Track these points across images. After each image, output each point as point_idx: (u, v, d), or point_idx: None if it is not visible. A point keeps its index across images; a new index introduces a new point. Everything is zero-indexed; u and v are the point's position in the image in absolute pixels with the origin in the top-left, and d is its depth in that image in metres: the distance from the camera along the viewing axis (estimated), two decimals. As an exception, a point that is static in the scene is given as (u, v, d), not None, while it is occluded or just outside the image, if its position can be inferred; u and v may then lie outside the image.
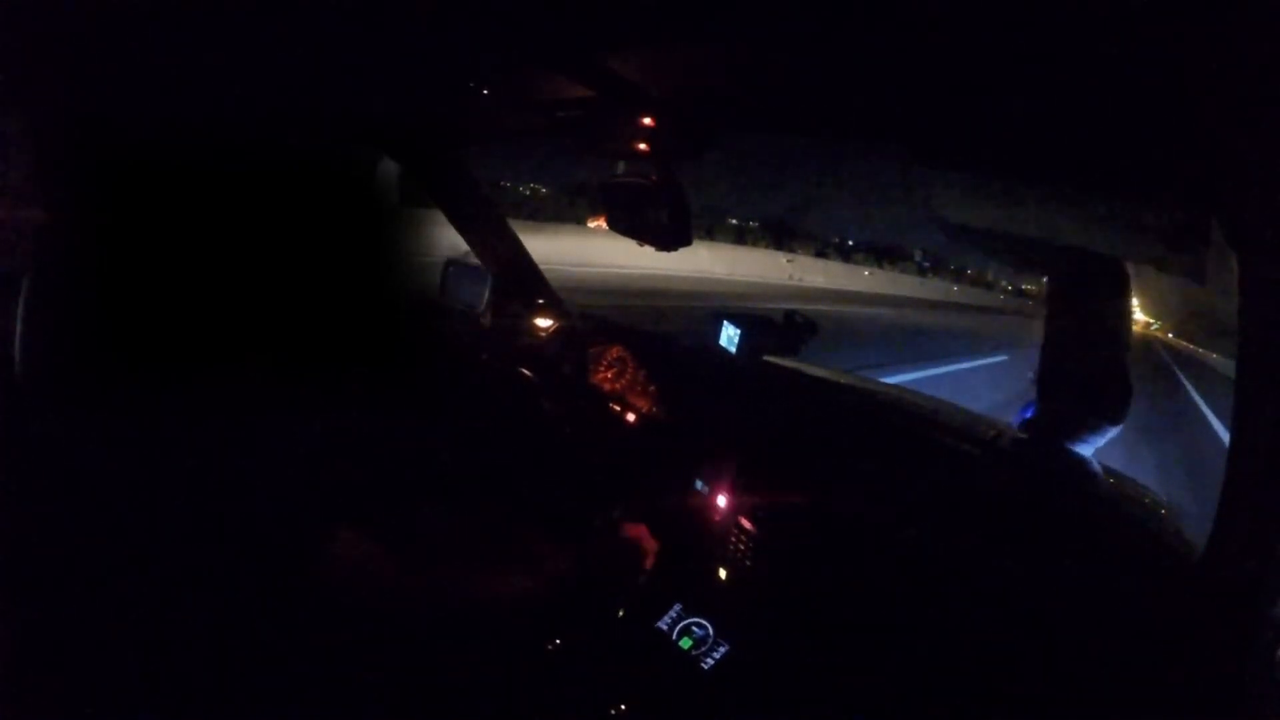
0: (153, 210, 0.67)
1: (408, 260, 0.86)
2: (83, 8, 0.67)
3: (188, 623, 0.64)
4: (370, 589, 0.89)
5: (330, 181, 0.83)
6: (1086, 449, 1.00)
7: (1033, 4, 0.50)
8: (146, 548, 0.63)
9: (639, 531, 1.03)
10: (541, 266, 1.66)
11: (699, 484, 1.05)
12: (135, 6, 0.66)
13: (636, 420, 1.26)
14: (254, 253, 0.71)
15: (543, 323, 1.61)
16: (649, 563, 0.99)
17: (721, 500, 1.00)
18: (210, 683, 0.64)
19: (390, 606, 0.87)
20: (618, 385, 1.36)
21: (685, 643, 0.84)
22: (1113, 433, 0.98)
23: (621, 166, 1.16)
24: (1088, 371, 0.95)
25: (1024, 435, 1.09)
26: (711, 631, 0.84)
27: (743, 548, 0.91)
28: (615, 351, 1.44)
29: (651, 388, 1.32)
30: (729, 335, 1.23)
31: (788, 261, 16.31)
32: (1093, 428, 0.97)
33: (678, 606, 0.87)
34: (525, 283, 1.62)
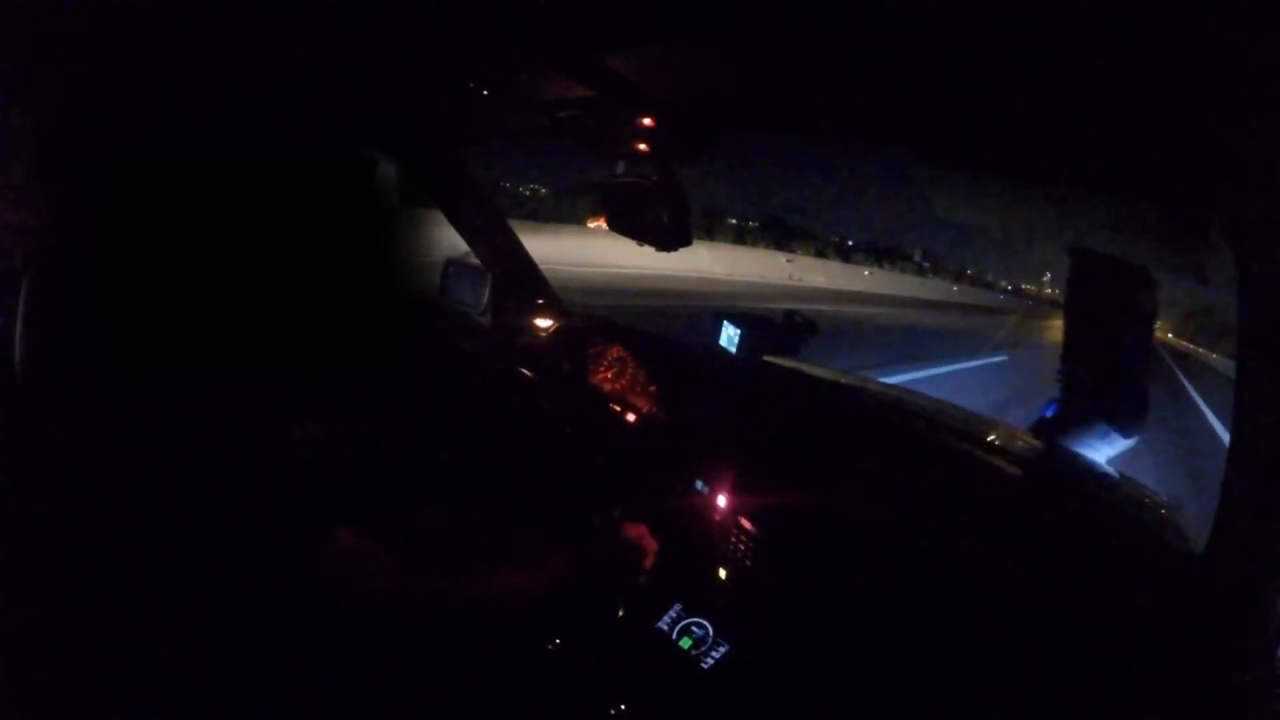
0: (153, 210, 0.67)
1: (408, 260, 0.86)
2: (83, 8, 0.67)
3: (188, 623, 0.64)
4: (370, 589, 0.89)
5: (330, 182, 0.83)
6: (1098, 457, 0.99)
7: (1033, 4, 0.50)
8: (146, 548, 0.62)
9: (639, 531, 1.03)
10: (541, 266, 1.66)
11: (699, 484, 1.05)
12: (135, 7, 0.66)
13: (636, 420, 1.26)
14: (253, 253, 0.71)
15: (543, 323, 1.61)
16: (649, 563, 0.99)
17: (721, 500, 1.00)
18: (210, 683, 0.64)
19: (390, 606, 0.87)
20: (618, 385, 1.36)
21: (685, 643, 0.84)
22: (1124, 444, 0.97)
23: (621, 166, 1.16)
24: (1105, 378, 0.95)
25: (1031, 437, 1.09)
26: (711, 631, 0.84)
27: (743, 548, 0.91)
28: (615, 351, 1.44)
29: (651, 388, 1.32)
30: (729, 335, 1.23)
31: (787, 261, 16.32)
32: (1103, 435, 0.96)
33: (678, 606, 0.87)
34: (525, 283, 1.62)
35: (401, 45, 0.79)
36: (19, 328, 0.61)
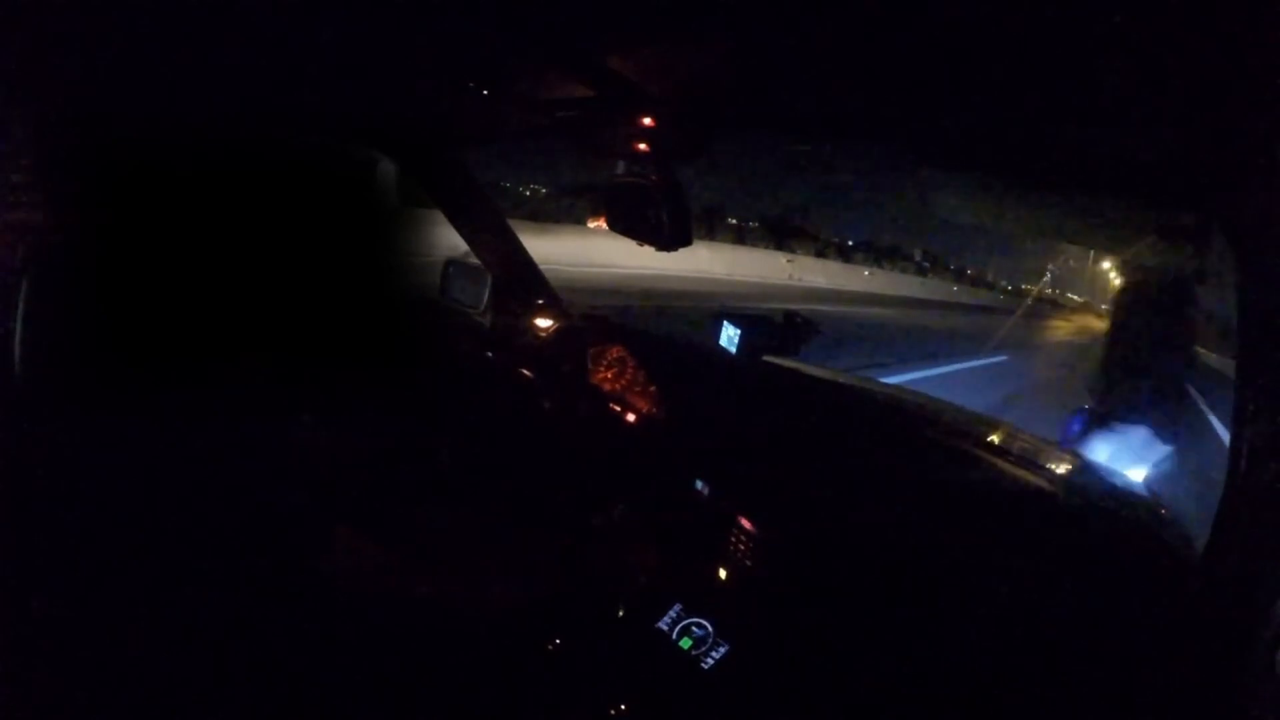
0: (152, 210, 0.67)
1: (407, 260, 0.86)
2: (83, 8, 0.67)
3: (188, 622, 0.64)
4: (370, 589, 0.89)
5: (329, 182, 0.83)
6: (1140, 466, 0.98)
7: (1035, 5, 0.50)
8: (146, 547, 0.62)
9: (639, 531, 1.03)
10: (541, 266, 1.66)
11: (699, 484, 1.05)
12: (135, 7, 0.66)
13: (636, 420, 1.26)
14: (253, 253, 0.71)
15: (543, 323, 1.61)
16: (649, 563, 0.99)
17: (721, 500, 1.00)
18: (210, 681, 0.64)
19: (390, 606, 0.87)
20: (618, 385, 1.36)
21: (685, 643, 0.83)
22: (1163, 450, 0.96)
23: (621, 166, 1.16)
24: (1150, 386, 0.94)
25: (1057, 449, 1.08)
26: (712, 631, 0.84)
27: (743, 548, 0.91)
28: (615, 351, 1.44)
29: (651, 388, 1.32)
30: (729, 335, 1.22)
31: (788, 261, 16.31)
32: (1146, 443, 0.96)
33: (678, 606, 0.87)
34: (525, 283, 1.62)
35: (401, 45, 0.79)
36: (19, 328, 0.61)
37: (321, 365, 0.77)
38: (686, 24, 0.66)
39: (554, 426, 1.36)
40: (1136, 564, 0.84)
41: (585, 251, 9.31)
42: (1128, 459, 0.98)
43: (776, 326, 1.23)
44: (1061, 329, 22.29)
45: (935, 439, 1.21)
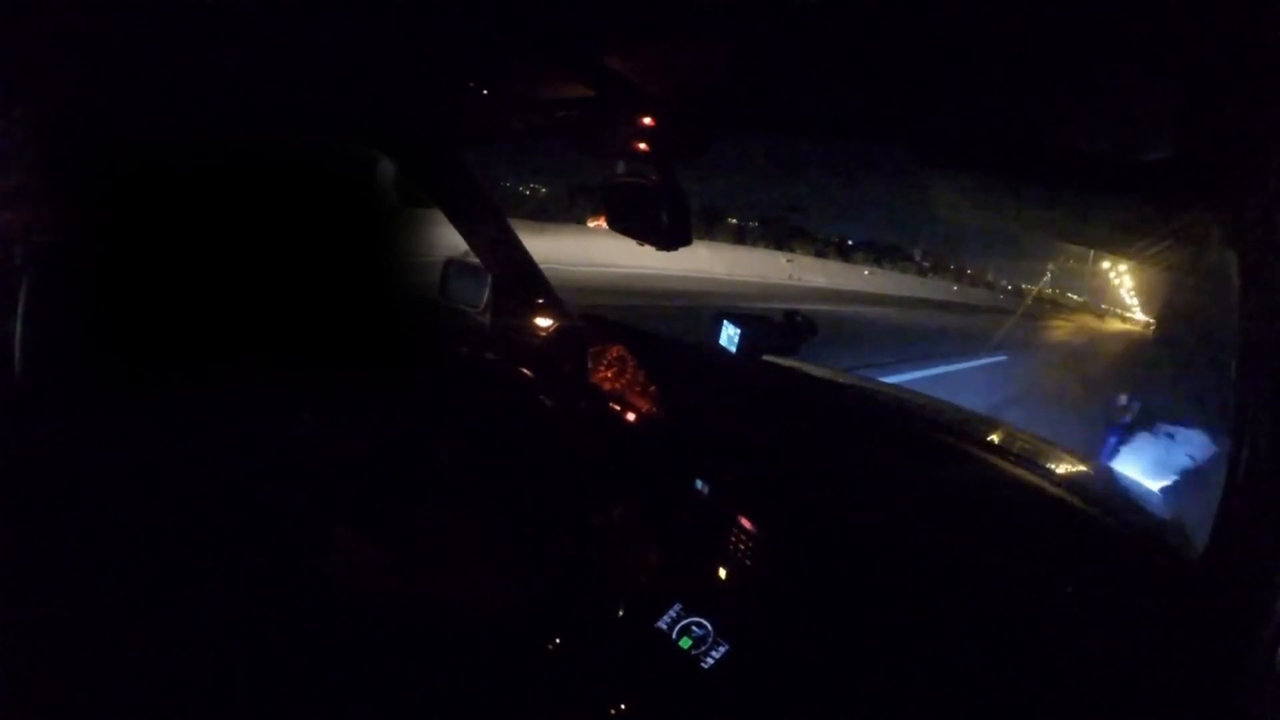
0: (152, 210, 0.67)
1: (407, 260, 0.86)
2: (83, 8, 0.67)
3: (188, 621, 0.64)
4: (370, 588, 0.89)
5: (329, 182, 0.83)
6: (1174, 469, 0.96)
7: (1035, 5, 0.50)
8: (146, 547, 0.63)
9: (639, 531, 1.03)
10: (541, 266, 1.66)
11: (699, 484, 1.05)
12: (135, 7, 0.66)
13: (636, 420, 1.26)
14: (253, 252, 0.71)
15: (543, 323, 1.61)
16: (649, 563, 0.99)
17: (721, 500, 1.00)
18: (211, 681, 0.64)
19: (390, 606, 0.87)
20: (618, 385, 1.36)
21: (685, 643, 0.83)
22: (1213, 450, 0.94)
23: (621, 166, 1.16)
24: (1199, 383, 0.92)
25: (1081, 462, 1.07)
26: (712, 631, 0.84)
27: (743, 548, 0.91)
28: (615, 351, 1.44)
29: (651, 388, 1.32)
30: (729, 335, 1.22)
31: (787, 261, 16.31)
32: (1203, 446, 0.94)
33: (678, 606, 0.87)
34: (525, 283, 1.62)
35: (400, 45, 0.79)
36: (19, 328, 0.61)
37: (321, 365, 0.77)
38: (686, 24, 0.66)
39: (554, 426, 1.36)
40: (1136, 563, 0.84)
41: (585, 251, 9.30)
42: (1170, 463, 0.96)
43: (776, 326, 1.23)
44: (1061, 329, 22.28)
45: (935, 439, 1.21)
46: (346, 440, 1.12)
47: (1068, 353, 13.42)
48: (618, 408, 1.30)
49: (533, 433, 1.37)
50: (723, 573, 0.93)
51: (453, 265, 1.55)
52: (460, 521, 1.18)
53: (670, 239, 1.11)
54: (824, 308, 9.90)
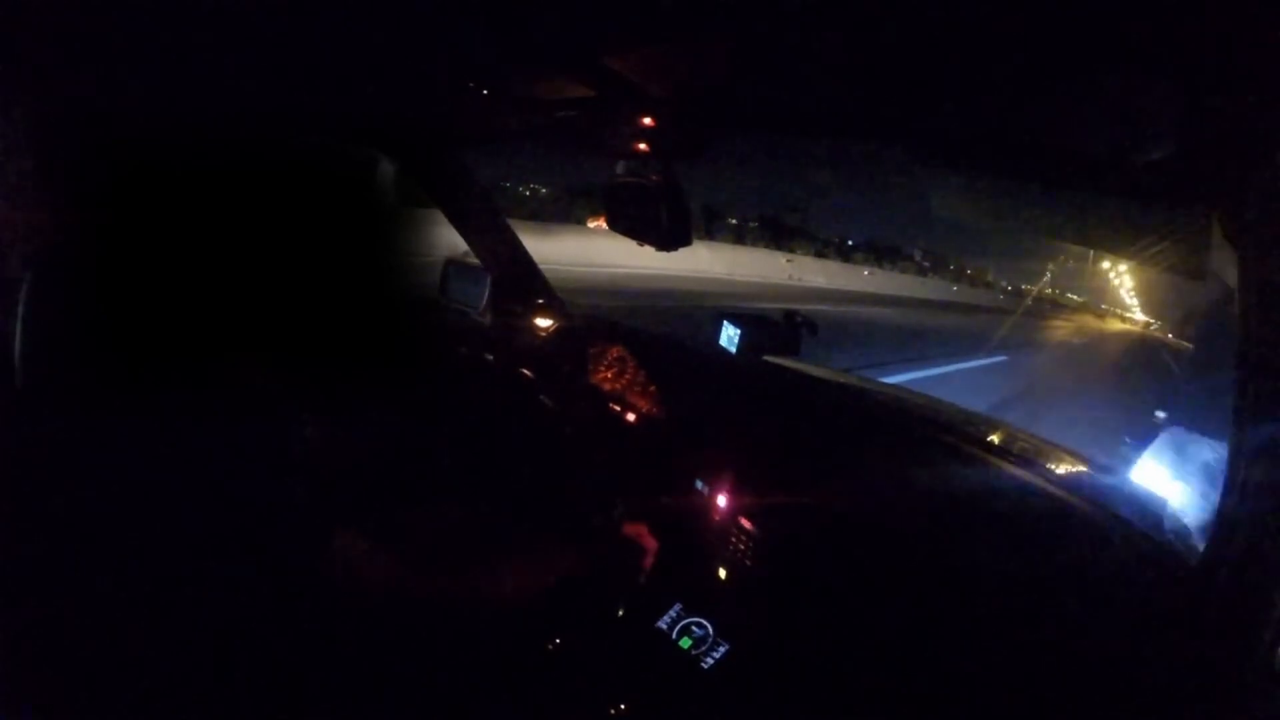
0: (153, 210, 0.67)
1: (407, 260, 0.86)
2: (83, 8, 0.67)
3: (189, 622, 0.64)
4: (370, 589, 0.89)
5: (329, 181, 0.83)
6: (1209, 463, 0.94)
7: (1035, 5, 0.50)
8: (147, 547, 0.62)
9: (639, 531, 1.03)
10: (541, 266, 1.66)
11: (699, 484, 1.05)
12: (135, 6, 0.66)
13: (636, 420, 1.26)
14: (253, 252, 0.71)
15: (543, 323, 1.61)
16: (649, 563, 0.99)
17: (721, 500, 1.00)
18: (211, 682, 0.64)
19: (390, 606, 0.87)
20: (618, 385, 1.36)
21: (685, 643, 0.83)
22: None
23: (621, 166, 1.16)
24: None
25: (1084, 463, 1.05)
26: (712, 631, 0.84)
27: (743, 548, 0.91)
28: (615, 351, 1.44)
29: (651, 388, 1.32)
30: (729, 335, 1.22)
31: (787, 261, 16.32)
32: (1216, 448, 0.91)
33: (678, 606, 0.87)
34: (525, 283, 1.62)
35: (400, 45, 0.79)
36: (19, 328, 0.61)
37: (322, 365, 0.77)
38: (686, 24, 0.66)
39: (554, 426, 1.36)
40: (1136, 563, 0.84)
41: (585, 251, 9.31)
42: (1188, 471, 0.94)
43: (776, 326, 1.23)
44: (1061, 329, 22.31)
45: (935, 439, 1.21)
46: (346, 440, 1.12)
47: (1068, 353, 13.43)
48: (618, 408, 1.30)
49: (532, 433, 1.37)
50: (723, 573, 0.93)
51: (453, 265, 1.56)
52: (460, 522, 1.18)
53: (670, 239, 1.12)
54: (824, 308, 9.91)
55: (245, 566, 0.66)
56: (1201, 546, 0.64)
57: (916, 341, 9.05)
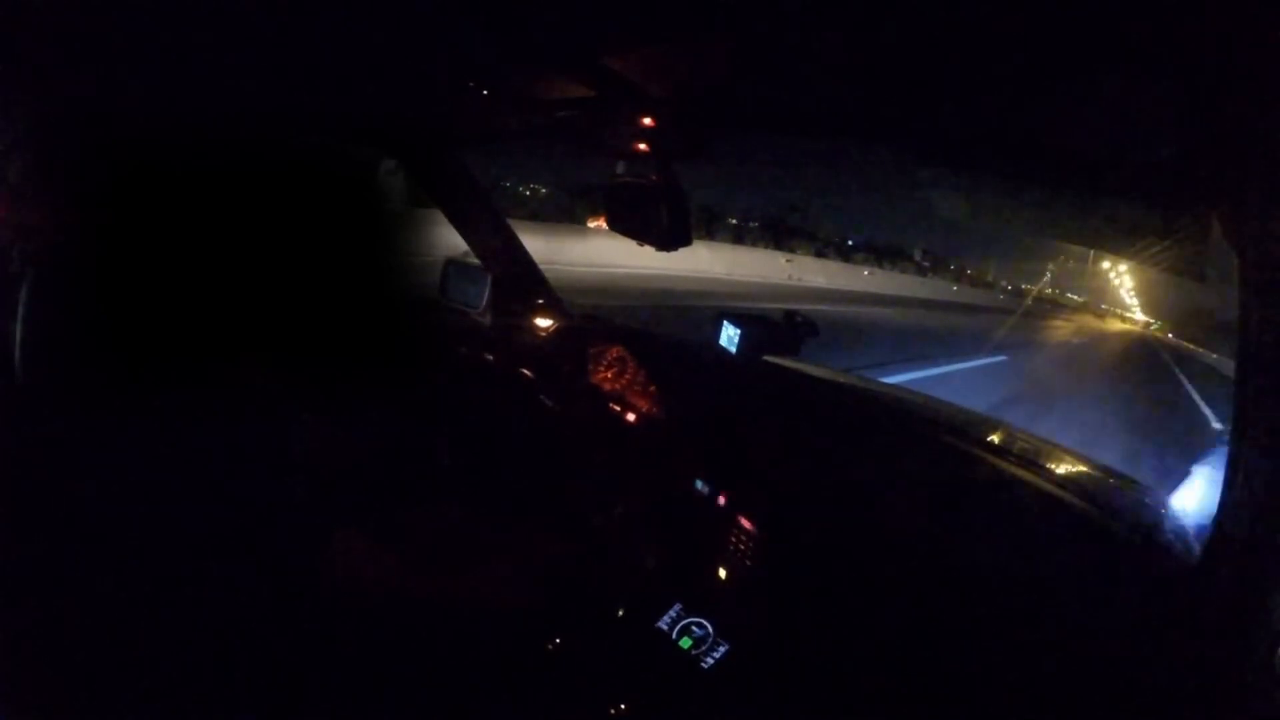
0: (153, 210, 0.67)
1: (407, 260, 0.86)
2: (83, 8, 0.67)
3: (189, 621, 0.64)
4: (370, 588, 0.89)
5: (329, 183, 0.83)
6: None
7: (1035, 5, 0.50)
8: (147, 547, 0.62)
9: (640, 531, 1.03)
10: (541, 266, 1.66)
11: (699, 484, 1.05)
12: (135, 7, 0.66)
13: (636, 420, 1.26)
14: (253, 253, 0.71)
15: (543, 323, 1.61)
16: (649, 563, 0.99)
17: (721, 500, 1.00)
18: (211, 681, 0.64)
19: (390, 606, 0.87)
20: (617, 385, 1.36)
21: (685, 643, 0.83)
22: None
23: (621, 166, 1.16)
24: None
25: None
26: (712, 631, 0.84)
27: (743, 548, 0.91)
28: (615, 351, 1.44)
29: (651, 388, 1.32)
30: (729, 335, 1.22)
31: (787, 261, 16.31)
32: None
33: (678, 606, 0.87)
34: (525, 283, 1.62)
35: (401, 45, 0.79)
36: (19, 328, 0.61)
37: (322, 365, 0.77)
38: (686, 24, 0.66)
39: (554, 426, 1.36)
40: (1136, 563, 0.84)
41: (585, 251, 9.31)
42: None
43: (776, 326, 1.23)
44: (1061, 329, 22.30)
45: (935, 439, 1.21)
46: (346, 440, 1.12)
47: (1068, 353, 13.43)
48: (617, 408, 1.30)
49: (533, 433, 1.37)
50: (723, 573, 0.93)
51: (453, 265, 1.56)
52: (460, 522, 1.18)
53: (670, 239, 1.11)
54: (824, 308, 9.90)
55: (245, 566, 0.66)
56: (1201, 546, 0.64)
57: (916, 341, 9.05)
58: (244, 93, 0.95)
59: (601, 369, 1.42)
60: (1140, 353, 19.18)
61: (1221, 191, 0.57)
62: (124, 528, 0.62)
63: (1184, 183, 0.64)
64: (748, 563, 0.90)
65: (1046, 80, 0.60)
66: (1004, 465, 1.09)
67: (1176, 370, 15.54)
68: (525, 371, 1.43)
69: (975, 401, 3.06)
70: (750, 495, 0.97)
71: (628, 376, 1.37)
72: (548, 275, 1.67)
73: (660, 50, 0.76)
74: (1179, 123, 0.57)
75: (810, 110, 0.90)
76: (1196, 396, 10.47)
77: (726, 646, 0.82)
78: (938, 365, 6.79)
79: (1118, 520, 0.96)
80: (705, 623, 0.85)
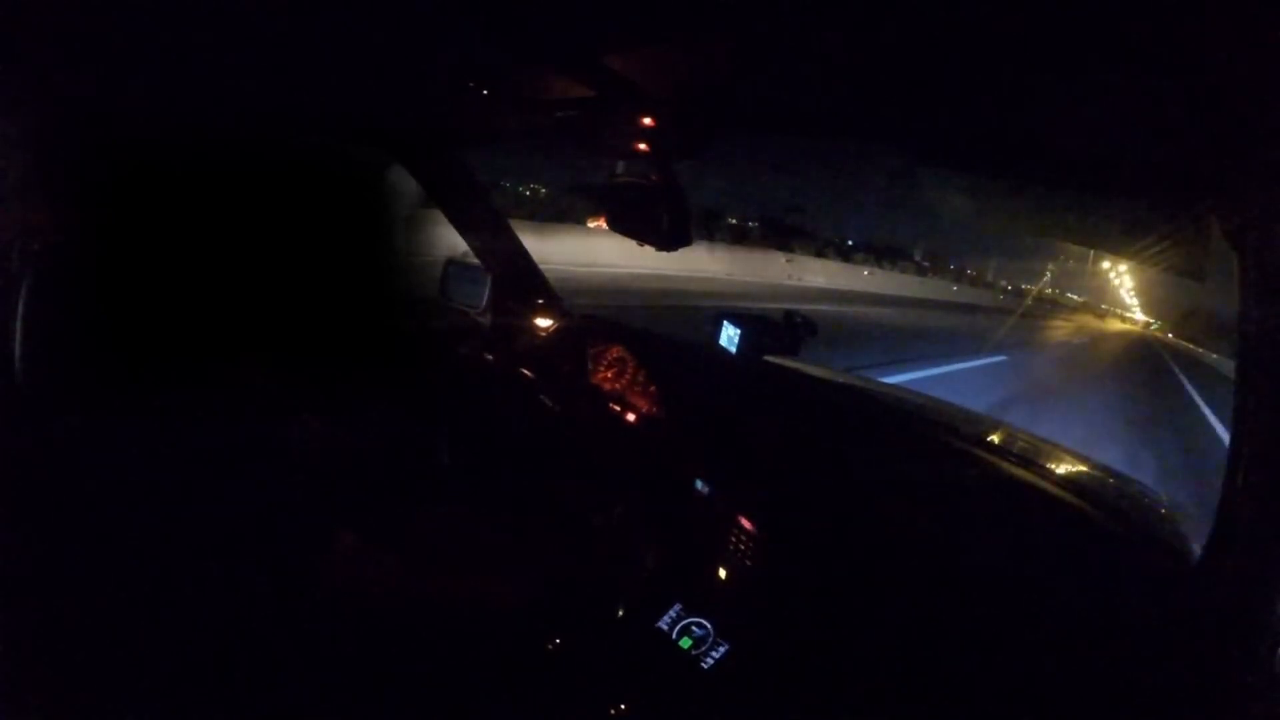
0: (153, 210, 0.67)
1: (408, 260, 0.86)
2: (83, 8, 0.67)
3: (189, 622, 0.64)
4: (371, 589, 0.89)
5: (328, 183, 0.83)
6: None
7: (1035, 5, 0.50)
8: (147, 547, 0.62)
9: (640, 531, 1.03)
10: (541, 266, 1.66)
11: (699, 484, 1.05)
12: (135, 6, 0.66)
13: (636, 420, 1.26)
14: (253, 253, 0.71)
15: (543, 323, 1.61)
16: (649, 563, 0.99)
17: (721, 500, 1.00)
18: (211, 682, 0.64)
19: (390, 606, 0.87)
20: (618, 385, 1.36)
21: (685, 643, 0.83)
22: None
23: (621, 166, 1.15)
24: None
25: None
26: (712, 631, 0.84)
27: (743, 548, 0.91)
28: (615, 351, 1.44)
29: (651, 388, 1.32)
30: (729, 335, 1.22)
31: (787, 261, 16.30)
32: None
33: (678, 606, 0.87)
34: (525, 283, 1.62)
35: (401, 45, 0.79)
36: (19, 328, 0.61)
37: (322, 365, 0.77)
38: (686, 24, 0.66)
39: (554, 426, 1.36)
40: (1136, 564, 0.84)
41: (585, 251, 9.31)
42: None
43: (776, 326, 1.23)
44: (1061, 329, 22.31)
45: (935, 439, 1.21)
46: (347, 441, 1.12)
47: (1068, 353, 13.43)
48: (618, 408, 1.29)
49: (533, 433, 1.37)
50: (723, 573, 0.93)
51: (453, 265, 1.56)
52: (460, 522, 1.18)
53: (670, 239, 1.11)
54: (824, 308, 9.90)
55: (245, 566, 0.66)
56: (1201, 546, 0.64)
57: (916, 341, 9.05)
58: (244, 92, 0.95)
59: (601, 369, 1.42)
60: (1140, 353, 19.18)
61: (1222, 192, 0.57)
62: (124, 528, 0.62)
63: (1184, 183, 0.64)
64: (748, 563, 0.90)
65: (1047, 80, 0.60)
66: (1004, 465, 1.09)
67: (1176, 370, 15.55)
68: (525, 371, 1.43)
69: (975, 401, 3.06)
70: (750, 495, 0.97)
71: (628, 376, 1.37)
72: (548, 275, 1.67)
73: (660, 50, 0.76)
74: (1179, 123, 0.57)
75: (810, 110, 0.90)
76: (1196, 396, 10.47)
77: (726, 646, 0.82)
78: (938, 365, 6.79)
79: (1118, 520, 0.96)
80: (705, 623, 0.85)
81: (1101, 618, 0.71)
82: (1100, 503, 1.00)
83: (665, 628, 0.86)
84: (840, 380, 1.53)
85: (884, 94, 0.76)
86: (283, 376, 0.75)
